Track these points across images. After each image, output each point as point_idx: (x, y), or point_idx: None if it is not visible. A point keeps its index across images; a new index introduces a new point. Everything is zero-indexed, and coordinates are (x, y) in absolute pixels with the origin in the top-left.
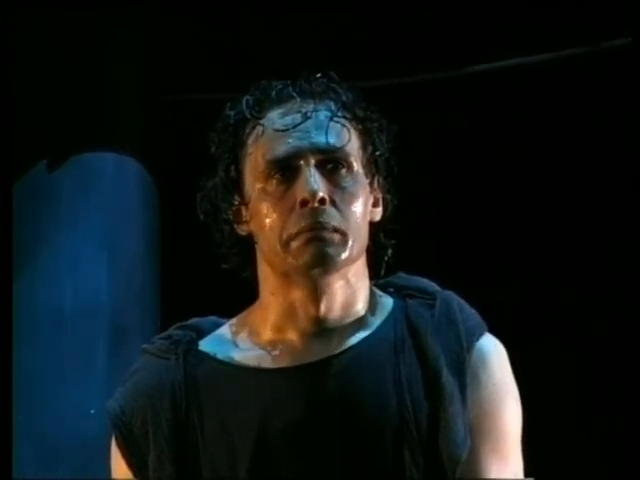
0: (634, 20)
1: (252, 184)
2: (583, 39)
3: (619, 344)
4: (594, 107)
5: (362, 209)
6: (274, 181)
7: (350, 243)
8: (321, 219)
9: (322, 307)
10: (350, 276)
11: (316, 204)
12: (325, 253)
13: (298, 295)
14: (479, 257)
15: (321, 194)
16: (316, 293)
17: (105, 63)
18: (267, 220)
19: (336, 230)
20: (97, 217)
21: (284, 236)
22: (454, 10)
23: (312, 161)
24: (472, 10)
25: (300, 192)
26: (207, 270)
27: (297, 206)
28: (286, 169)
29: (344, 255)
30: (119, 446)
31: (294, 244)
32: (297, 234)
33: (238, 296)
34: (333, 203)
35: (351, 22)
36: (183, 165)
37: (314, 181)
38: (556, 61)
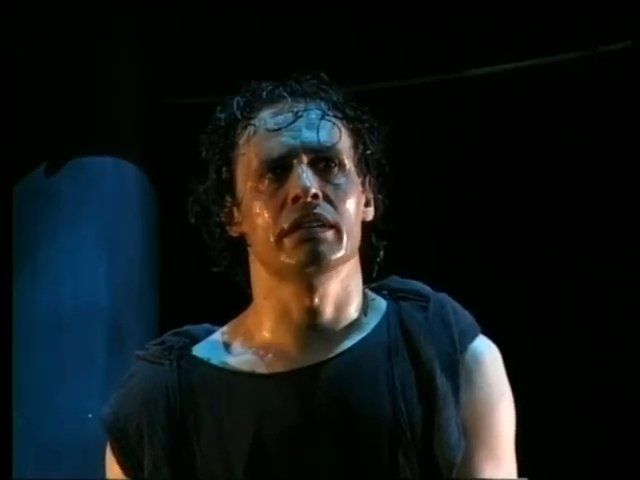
0: (635, 24)
1: (244, 184)
2: (584, 43)
3: (616, 345)
4: (595, 110)
5: (355, 207)
6: (266, 180)
7: (345, 240)
8: (315, 212)
9: (316, 299)
10: (344, 277)
11: (309, 199)
12: (319, 252)
13: (292, 289)
14: (476, 258)
15: (314, 190)
16: (310, 287)
17: (104, 67)
18: (259, 218)
19: (330, 226)
20: (96, 220)
21: (276, 232)
22: (455, 13)
23: (304, 159)
24: (473, 13)
25: (292, 189)
26: (205, 272)
27: (289, 202)
28: (278, 168)
29: (339, 254)
30: (114, 451)
31: (287, 242)
32: (290, 229)
33: (236, 298)
34: (327, 199)
35: (351, 24)
36: (182, 168)
37: (306, 177)
38: (556, 65)
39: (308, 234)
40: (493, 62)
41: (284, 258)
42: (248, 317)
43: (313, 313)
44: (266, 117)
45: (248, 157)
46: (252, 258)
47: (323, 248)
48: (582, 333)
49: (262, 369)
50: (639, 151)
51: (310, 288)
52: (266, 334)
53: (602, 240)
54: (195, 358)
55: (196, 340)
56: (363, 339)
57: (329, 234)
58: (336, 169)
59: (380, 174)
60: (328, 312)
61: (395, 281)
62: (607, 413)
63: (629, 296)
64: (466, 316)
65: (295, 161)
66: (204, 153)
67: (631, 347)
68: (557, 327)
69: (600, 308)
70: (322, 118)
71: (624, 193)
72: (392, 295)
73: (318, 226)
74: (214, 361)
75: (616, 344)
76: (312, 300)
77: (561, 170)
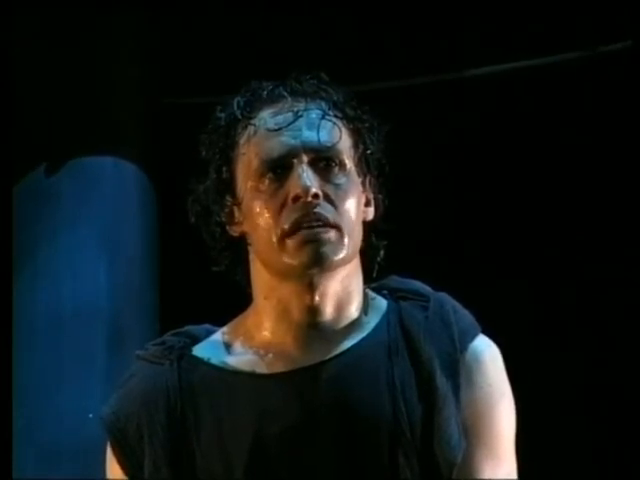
0: (634, 24)
1: (245, 184)
2: (584, 43)
3: (616, 345)
4: (595, 110)
5: (356, 206)
6: (267, 180)
7: (346, 240)
8: (315, 212)
9: (316, 297)
10: (344, 277)
11: (309, 199)
12: (322, 253)
13: (292, 288)
14: (476, 258)
15: (314, 190)
16: (311, 285)
17: (104, 67)
18: (260, 218)
19: (331, 226)
20: (96, 220)
21: (278, 232)
22: (454, 13)
23: (305, 159)
24: (473, 13)
25: (293, 188)
26: (205, 272)
27: (289, 202)
28: (279, 168)
29: (341, 254)
30: (114, 451)
31: (290, 243)
32: (290, 230)
33: (236, 298)
34: (327, 198)
35: (351, 24)
36: (182, 168)
37: (307, 177)
38: (556, 65)
39: (310, 235)
40: (493, 62)
41: (286, 259)
42: (248, 317)
43: (313, 311)
44: (266, 117)
45: (248, 157)
46: (252, 258)
47: (326, 249)
48: (582, 333)
49: (262, 369)
50: (639, 151)
51: (310, 286)
52: (266, 334)
53: (602, 240)
54: (195, 358)
55: (197, 340)
56: (363, 339)
57: (332, 234)
58: (336, 169)
59: (380, 174)
60: (328, 311)
61: (395, 281)
62: (607, 413)
63: (629, 296)
64: (466, 315)
65: (295, 161)
66: (204, 153)
67: (631, 347)
68: (557, 327)
69: (600, 308)
70: (322, 118)
71: (624, 193)
72: (392, 295)
73: (319, 226)
74: (214, 361)
75: (616, 344)
76: (312, 298)
77: (561, 170)
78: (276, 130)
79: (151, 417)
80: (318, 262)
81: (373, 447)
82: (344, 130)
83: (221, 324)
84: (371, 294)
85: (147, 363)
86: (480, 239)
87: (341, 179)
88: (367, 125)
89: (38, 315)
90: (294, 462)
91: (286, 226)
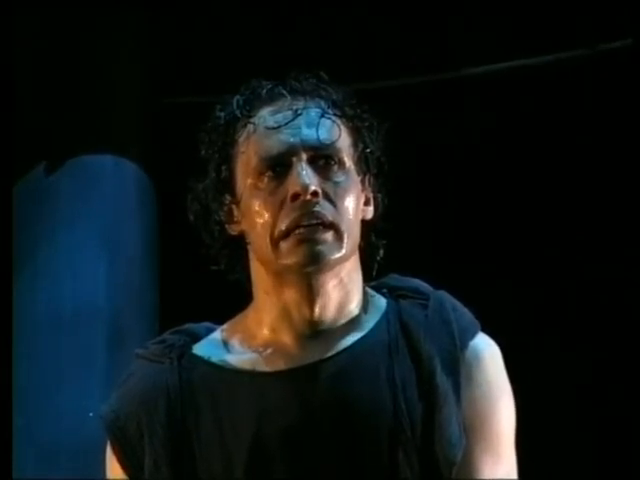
0: (635, 22)
1: (244, 182)
2: (584, 41)
3: (617, 345)
4: (595, 109)
5: (355, 205)
6: (266, 178)
7: (345, 239)
8: (314, 211)
9: (317, 309)
10: (343, 275)
11: (308, 197)
12: (318, 252)
13: (292, 296)
14: (476, 258)
15: (313, 187)
16: (311, 294)
17: (104, 66)
18: (258, 216)
19: (329, 225)
20: (96, 219)
21: (275, 233)
22: (453, 12)
23: (304, 157)
24: (471, 12)
25: (292, 186)
26: (205, 272)
27: (288, 200)
28: (278, 165)
29: (338, 254)
30: (114, 450)
31: (284, 245)
32: (287, 231)
33: (236, 298)
34: (326, 197)
35: (350, 24)
36: (182, 167)
37: (306, 175)
38: (557, 63)
39: (306, 235)
40: (493, 61)
41: (281, 260)
42: (248, 315)
43: (314, 322)
44: (266, 115)
45: (247, 155)
46: (252, 256)
47: (321, 248)
48: (582, 333)
49: (262, 367)
50: (639, 150)
51: (311, 293)
52: (266, 332)
53: (602, 240)
54: (195, 357)
55: (197, 338)
56: (363, 337)
57: (328, 235)
58: (335, 167)
59: (380, 173)
60: (329, 315)
61: (394, 279)
62: (607, 412)
63: (629, 296)
64: (466, 313)
65: (294, 158)
66: (203, 151)
67: (631, 347)
68: (557, 327)
69: (600, 308)
70: (322, 116)
71: (624, 192)
72: (392, 293)
73: (317, 224)
74: (214, 359)
75: (616, 344)
76: (313, 311)
77: (561, 169)
78: (275, 128)
79: (151, 416)
80: (314, 261)
81: (373, 445)
82: (343, 128)
83: (221, 324)
84: (370, 292)
85: (147, 362)
86: (480, 238)
87: (340, 177)
88: (366, 124)
89: (38, 315)
90: (294, 460)
91: (284, 226)
